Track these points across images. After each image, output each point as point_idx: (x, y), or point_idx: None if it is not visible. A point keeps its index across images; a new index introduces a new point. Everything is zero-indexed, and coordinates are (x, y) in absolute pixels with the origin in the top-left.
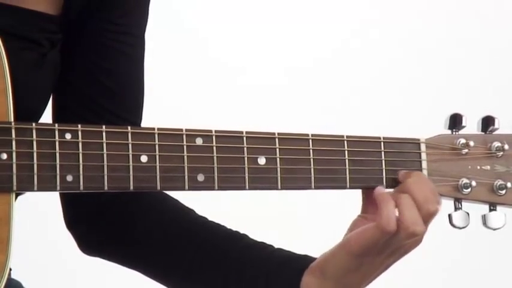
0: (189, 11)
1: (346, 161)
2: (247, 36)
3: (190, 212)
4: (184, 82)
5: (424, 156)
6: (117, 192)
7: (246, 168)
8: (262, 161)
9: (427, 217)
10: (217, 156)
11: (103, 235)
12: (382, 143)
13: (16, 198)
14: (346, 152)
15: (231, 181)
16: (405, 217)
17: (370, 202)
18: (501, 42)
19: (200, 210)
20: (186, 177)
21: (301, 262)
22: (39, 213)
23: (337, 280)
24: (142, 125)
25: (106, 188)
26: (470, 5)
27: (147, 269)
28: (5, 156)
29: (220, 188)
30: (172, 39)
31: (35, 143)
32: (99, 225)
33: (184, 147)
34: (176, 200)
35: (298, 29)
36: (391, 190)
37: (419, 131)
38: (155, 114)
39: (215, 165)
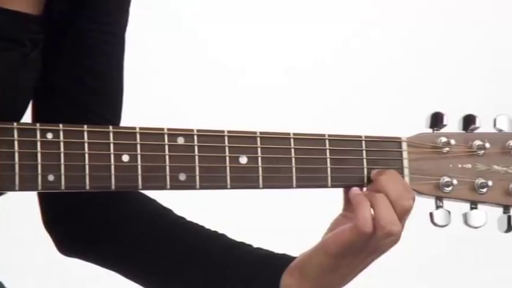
0: (188, 11)
1: (328, 159)
2: (247, 36)
3: (169, 212)
4: (184, 83)
5: (405, 154)
6: (96, 192)
7: (228, 168)
8: (243, 160)
9: (402, 214)
10: (198, 156)
11: (81, 236)
12: (363, 141)
13: None
14: (328, 150)
15: (212, 180)
16: (381, 217)
17: (351, 201)
18: (490, 42)
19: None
20: (168, 176)
21: (280, 262)
22: (21, 213)
23: (315, 280)
24: (143, 125)
25: (88, 187)
26: (467, 5)
27: (126, 270)
28: None
29: (202, 187)
30: (172, 39)
31: (16, 142)
32: (77, 226)
33: (166, 146)
34: (154, 200)
35: (298, 29)
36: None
37: (414, 129)
38: (154, 114)
39: (197, 164)
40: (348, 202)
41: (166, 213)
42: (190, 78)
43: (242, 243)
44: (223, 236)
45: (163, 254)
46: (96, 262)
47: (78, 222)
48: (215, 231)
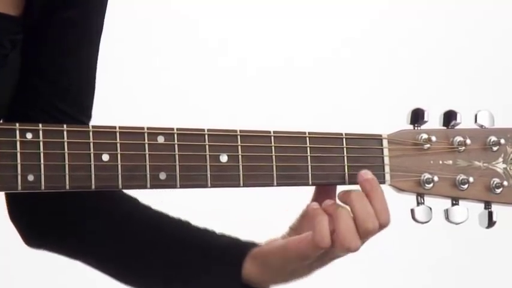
0: (185, 10)
1: (308, 157)
2: (246, 37)
3: (134, 200)
4: (183, 82)
5: (386, 152)
6: None
7: (208, 166)
8: (224, 158)
9: (365, 234)
10: (179, 154)
11: (46, 227)
12: (344, 139)
13: None
14: (308, 148)
15: (192, 179)
16: (341, 233)
17: (320, 192)
18: (472, 39)
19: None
20: (148, 175)
21: (244, 247)
22: None
23: (277, 271)
24: (123, 124)
25: (67, 187)
26: (451, 5)
27: (91, 260)
28: None
29: (182, 186)
30: (171, 39)
31: None
32: (41, 217)
33: (146, 145)
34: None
35: (284, 29)
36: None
37: (395, 126)
38: (134, 113)
39: (177, 163)
40: (317, 192)
41: (132, 201)
42: (188, 77)
43: (206, 230)
44: (187, 222)
45: (126, 241)
46: (62, 253)
47: (42, 213)
48: (179, 219)
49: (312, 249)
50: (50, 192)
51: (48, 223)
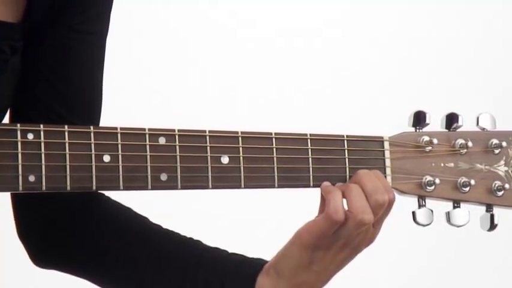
0: (185, 10)
1: (310, 159)
2: (246, 36)
3: (144, 220)
4: (183, 82)
5: (387, 154)
6: (71, 202)
7: (209, 168)
8: (225, 160)
9: (376, 208)
10: (180, 156)
11: (55, 246)
12: (345, 141)
13: None
14: (310, 150)
15: (194, 180)
16: (353, 205)
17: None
18: (473, 40)
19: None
20: (149, 176)
21: (256, 264)
22: None
23: (290, 278)
24: (125, 125)
25: (69, 188)
26: (452, 5)
27: (101, 279)
28: None
29: (184, 188)
30: (171, 39)
31: None
32: (51, 236)
33: (147, 146)
34: (130, 209)
35: (285, 26)
36: None
37: (397, 128)
38: (135, 114)
39: (178, 164)
40: (323, 203)
41: (142, 221)
42: (188, 78)
43: (217, 249)
44: (198, 241)
45: (138, 260)
46: (72, 272)
47: (52, 232)
48: (191, 238)
49: (326, 227)
50: (61, 210)
51: (56, 243)
